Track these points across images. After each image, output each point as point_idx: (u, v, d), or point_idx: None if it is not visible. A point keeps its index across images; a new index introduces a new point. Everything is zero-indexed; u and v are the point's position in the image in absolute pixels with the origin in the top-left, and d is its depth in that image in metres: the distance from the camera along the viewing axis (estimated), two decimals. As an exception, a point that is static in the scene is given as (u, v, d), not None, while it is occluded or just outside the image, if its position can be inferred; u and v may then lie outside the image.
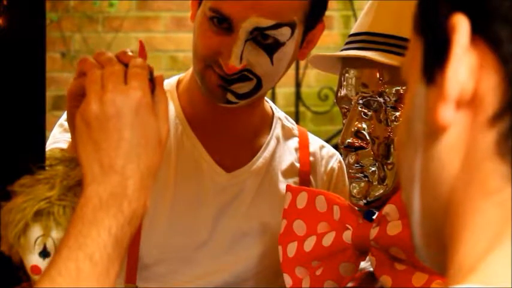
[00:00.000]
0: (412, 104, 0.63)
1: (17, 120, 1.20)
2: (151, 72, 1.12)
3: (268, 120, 1.65)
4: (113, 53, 1.13)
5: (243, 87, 1.48)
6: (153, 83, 1.12)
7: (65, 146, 1.49)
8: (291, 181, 1.60)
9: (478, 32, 0.57)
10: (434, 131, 0.60)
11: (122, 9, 4.14)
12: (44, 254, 1.11)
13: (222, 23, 1.45)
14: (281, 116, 1.67)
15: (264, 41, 1.46)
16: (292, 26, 1.46)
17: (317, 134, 1.75)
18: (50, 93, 3.94)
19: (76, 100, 1.20)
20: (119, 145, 1.06)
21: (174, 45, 4.14)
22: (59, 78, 4.12)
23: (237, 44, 1.43)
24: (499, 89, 0.57)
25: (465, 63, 0.57)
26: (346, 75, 1.36)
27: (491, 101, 0.57)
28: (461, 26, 0.57)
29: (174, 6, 4.18)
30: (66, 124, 1.54)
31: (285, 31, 1.46)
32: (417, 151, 0.62)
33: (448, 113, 0.58)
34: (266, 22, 1.43)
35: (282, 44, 1.47)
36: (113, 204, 1.04)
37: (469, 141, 0.58)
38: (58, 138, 1.53)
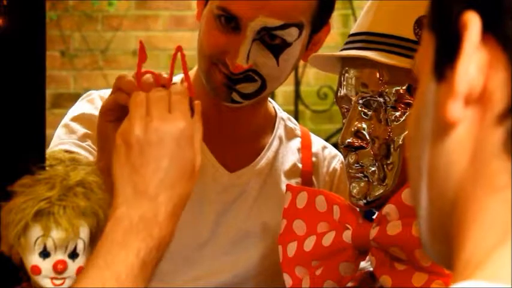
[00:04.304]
0: (422, 101, 0.63)
1: (17, 119, 1.20)
2: (190, 99, 1.14)
3: (271, 121, 1.65)
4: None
5: (248, 88, 1.48)
6: (192, 110, 1.14)
7: (70, 147, 1.49)
8: (293, 182, 1.60)
9: (489, 30, 0.58)
10: (443, 127, 0.60)
11: (121, 8, 4.14)
12: (44, 254, 1.11)
13: (229, 22, 1.44)
14: (284, 117, 1.67)
15: (271, 42, 1.45)
16: (300, 26, 1.46)
17: (316, 132, 1.75)
18: (49, 91, 3.94)
19: (108, 115, 1.23)
20: (156, 173, 1.08)
21: (174, 44, 4.12)
22: (58, 77, 4.12)
23: (244, 44, 1.43)
24: (508, 86, 0.57)
25: (475, 60, 0.58)
26: (346, 75, 1.36)
27: (499, 98, 0.57)
28: (472, 23, 0.58)
29: (173, 5, 4.18)
30: (71, 125, 1.54)
31: (293, 32, 1.45)
32: (425, 147, 0.62)
33: (456, 109, 0.58)
34: (274, 22, 1.43)
35: (289, 45, 1.46)
36: (143, 228, 1.06)
37: (477, 138, 0.59)
38: (63, 139, 1.52)
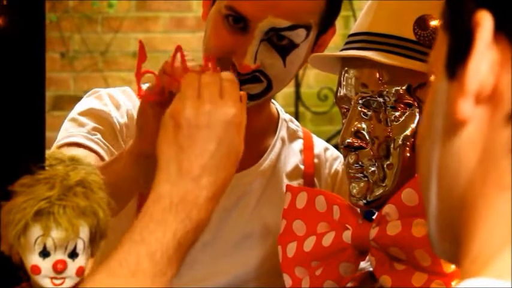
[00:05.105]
0: (434, 99, 0.64)
1: (17, 120, 1.20)
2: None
3: (274, 122, 1.65)
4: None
5: (254, 88, 1.47)
6: (240, 99, 1.16)
7: (80, 140, 1.48)
8: (296, 183, 1.59)
9: (501, 30, 0.58)
10: (453, 126, 0.60)
11: (121, 10, 4.14)
12: (44, 253, 1.11)
13: (237, 22, 1.44)
14: (286, 118, 1.67)
15: (279, 42, 1.45)
16: (308, 28, 1.45)
17: (316, 134, 1.75)
18: (49, 93, 3.94)
19: (152, 100, 1.24)
20: (202, 155, 1.09)
21: (173, 46, 4.12)
22: (58, 79, 4.12)
23: (253, 44, 1.42)
24: None
25: (486, 59, 0.58)
26: (346, 75, 1.36)
27: (508, 98, 0.58)
28: (485, 22, 0.58)
29: (173, 7, 4.18)
30: (80, 118, 1.53)
31: (301, 33, 1.45)
32: (436, 145, 0.63)
33: (467, 108, 0.59)
34: (283, 23, 1.42)
35: (296, 46, 1.46)
36: (182, 209, 1.07)
37: (487, 137, 0.59)
38: (72, 132, 1.51)
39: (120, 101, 1.56)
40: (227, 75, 1.17)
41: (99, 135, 1.51)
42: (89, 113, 1.54)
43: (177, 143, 1.10)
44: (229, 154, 1.11)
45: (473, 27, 0.58)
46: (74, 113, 1.56)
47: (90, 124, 1.52)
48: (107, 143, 1.50)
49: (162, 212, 1.06)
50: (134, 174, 1.32)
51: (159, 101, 1.24)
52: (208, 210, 1.10)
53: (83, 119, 1.53)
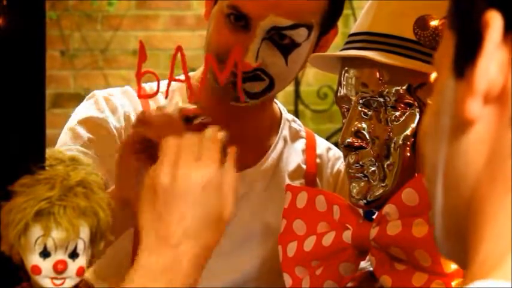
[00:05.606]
0: (441, 98, 0.63)
1: (17, 119, 1.20)
2: (224, 144, 1.15)
3: (276, 121, 1.65)
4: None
5: (255, 87, 1.47)
6: (225, 155, 1.14)
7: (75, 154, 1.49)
8: (297, 183, 1.59)
9: (511, 30, 0.58)
10: (461, 125, 0.60)
11: (121, 8, 4.14)
12: (45, 254, 1.11)
13: (239, 20, 1.45)
14: (289, 118, 1.68)
15: (281, 41, 1.45)
16: (310, 27, 1.46)
17: (316, 132, 1.75)
18: (49, 91, 3.94)
19: (134, 148, 1.28)
20: (180, 222, 1.08)
21: (173, 44, 4.11)
22: (58, 77, 4.12)
23: (254, 42, 1.43)
24: None
25: (496, 59, 0.58)
26: (346, 75, 1.36)
27: None
28: (494, 22, 0.58)
29: (173, 5, 4.18)
30: (77, 129, 1.54)
31: (302, 32, 1.45)
32: (443, 145, 0.62)
33: (475, 107, 0.59)
34: (284, 22, 1.43)
35: (298, 45, 1.46)
36: (164, 277, 1.06)
37: (495, 138, 0.59)
38: (69, 146, 1.52)
39: (118, 103, 1.57)
40: (211, 132, 1.15)
41: (93, 150, 1.51)
42: (86, 122, 1.55)
43: (155, 209, 1.09)
44: (208, 217, 1.09)
45: (482, 27, 0.58)
46: (74, 121, 1.56)
47: (85, 135, 1.53)
48: (100, 155, 1.51)
49: (143, 282, 1.05)
50: (121, 214, 1.32)
51: (138, 150, 1.26)
52: (195, 274, 1.08)
53: (80, 130, 1.54)
